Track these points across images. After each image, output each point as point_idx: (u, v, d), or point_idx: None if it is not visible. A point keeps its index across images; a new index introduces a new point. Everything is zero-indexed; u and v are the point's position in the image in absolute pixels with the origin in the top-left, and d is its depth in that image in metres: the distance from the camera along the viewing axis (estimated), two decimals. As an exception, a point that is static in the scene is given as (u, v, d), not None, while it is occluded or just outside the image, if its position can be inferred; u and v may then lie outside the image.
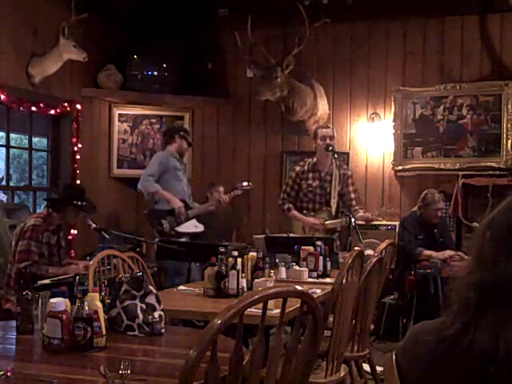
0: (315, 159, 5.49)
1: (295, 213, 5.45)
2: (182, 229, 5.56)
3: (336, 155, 5.41)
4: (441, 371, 1.08)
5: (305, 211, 5.43)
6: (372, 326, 3.84)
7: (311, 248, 4.25)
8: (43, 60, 5.58)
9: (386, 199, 6.60)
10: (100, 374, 1.86)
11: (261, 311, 1.62)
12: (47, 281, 4.26)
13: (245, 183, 5.97)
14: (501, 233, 1.10)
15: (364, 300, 3.44)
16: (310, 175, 5.45)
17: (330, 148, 5.37)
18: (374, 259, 3.39)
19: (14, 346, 2.36)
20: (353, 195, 5.41)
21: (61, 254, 4.51)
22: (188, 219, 5.64)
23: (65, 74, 5.94)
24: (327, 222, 5.34)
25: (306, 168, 5.49)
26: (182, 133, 5.85)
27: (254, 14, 6.06)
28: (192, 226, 5.63)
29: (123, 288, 2.46)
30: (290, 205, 5.47)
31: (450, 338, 1.07)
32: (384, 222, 6.30)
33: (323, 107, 6.64)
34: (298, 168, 5.54)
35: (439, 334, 1.09)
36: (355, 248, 3.42)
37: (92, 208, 4.69)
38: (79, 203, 4.44)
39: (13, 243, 4.35)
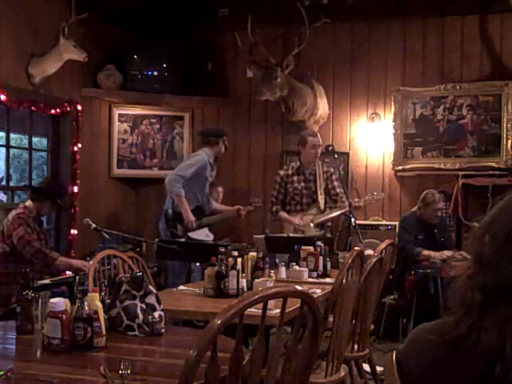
0: (298, 163, 5.67)
1: (283, 214, 5.65)
2: (193, 235, 5.60)
3: (336, 155, 5.47)
4: (445, 371, 1.09)
5: (293, 213, 5.62)
6: (372, 326, 3.84)
7: (311, 248, 4.26)
8: (43, 60, 5.58)
9: (386, 199, 6.59)
10: (100, 374, 1.86)
11: (261, 311, 1.62)
12: (47, 281, 4.28)
13: (257, 202, 6.10)
14: (501, 235, 1.11)
15: (364, 300, 3.44)
16: (295, 178, 5.65)
17: (330, 148, 5.40)
18: (374, 259, 3.39)
19: (13, 346, 2.36)
20: (338, 190, 5.60)
21: (47, 247, 4.57)
22: (202, 227, 5.67)
23: (65, 74, 5.93)
24: (314, 219, 5.45)
25: (290, 172, 5.69)
26: (225, 137, 5.85)
27: (254, 14, 6.06)
28: (203, 235, 5.69)
29: (123, 288, 2.46)
30: (278, 207, 5.67)
31: (455, 339, 1.08)
32: (384, 222, 6.32)
33: (323, 107, 6.64)
34: (282, 172, 5.75)
35: (443, 335, 1.10)
36: (355, 248, 3.43)
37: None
38: (57, 201, 4.64)
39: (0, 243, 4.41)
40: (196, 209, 5.65)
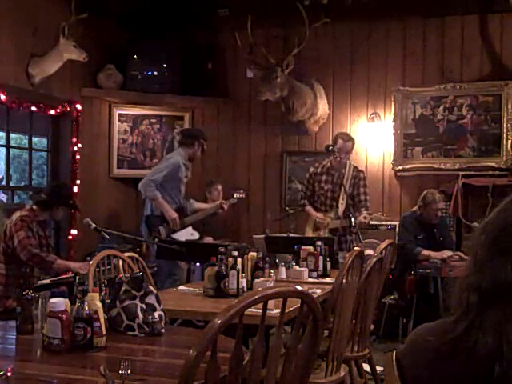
0: (329, 164, 5.53)
1: (309, 208, 5.63)
2: (177, 236, 5.54)
3: (336, 155, 5.44)
4: (445, 372, 1.09)
5: (317, 211, 5.57)
6: (372, 326, 3.84)
7: (311, 248, 4.25)
8: (43, 60, 5.58)
9: (386, 199, 6.60)
10: (100, 374, 1.86)
11: (261, 311, 1.62)
12: (47, 281, 4.27)
13: (239, 193, 6.13)
14: (493, 235, 1.13)
15: (364, 300, 3.44)
16: (323, 178, 5.55)
17: (330, 148, 5.38)
18: (374, 259, 3.39)
19: (13, 346, 2.36)
20: (362, 197, 5.49)
21: (49, 252, 4.54)
22: (184, 227, 5.63)
23: (65, 74, 5.94)
24: (331, 223, 5.43)
25: (319, 170, 5.59)
26: (202, 140, 5.76)
27: (254, 14, 6.06)
28: (188, 234, 5.61)
29: (123, 288, 2.46)
30: (306, 201, 5.65)
31: (454, 340, 1.08)
32: (384, 222, 6.31)
33: (323, 107, 6.65)
34: (311, 170, 5.66)
35: (442, 336, 1.10)
36: (355, 248, 3.42)
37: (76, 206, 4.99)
38: (70, 202, 4.66)
39: (2, 243, 4.38)
40: (176, 210, 5.59)
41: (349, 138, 5.52)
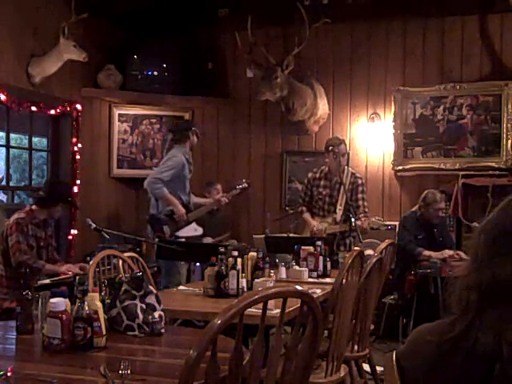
0: (327, 168, 5.55)
1: (305, 215, 5.62)
2: (181, 233, 5.55)
3: (336, 155, 5.44)
4: (445, 371, 1.09)
5: (316, 217, 5.56)
6: (372, 326, 3.84)
7: (311, 248, 4.26)
8: (43, 60, 5.58)
9: (386, 199, 6.60)
10: (100, 374, 1.86)
11: (261, 311, 1.62)
12: (47, 281, 4.27)
13: (243, 183, 6.04)
14: (493, 234, 1.13)
15: (364, 300, 3.44)
16: (322, 183, 5.55)
17: (330, 148, 5.39)
18: (374, 259, 3.39)
19: (13, 346, 2.36)
20: (360, 202, 5.48)
21: (49, 252, 4.53)
22: (188, 223, 5.63)
23: (65, 74, 5.94)
24: (328, 228, 5.42)
25: (317, 175, 5.59)
26: (193, 128, 5.78)
27: (254, 14, 6.06)
28: (192, 230, 5.62)
29: (123, 288, 2.46)
30: (304, 208, 5.63)
31: (453, 339, 1.08)
32: (384, 222, 6.31)
33: (323, 107, 6.64)
34: (310, 175, 5.66)
35: (442, 335, 1.11)
36: (355, 248, 3.42)
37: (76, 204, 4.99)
38: (68, 200, 4.63)
39: (1, 245, 4.37)
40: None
41: (340, 141, 5.54)
